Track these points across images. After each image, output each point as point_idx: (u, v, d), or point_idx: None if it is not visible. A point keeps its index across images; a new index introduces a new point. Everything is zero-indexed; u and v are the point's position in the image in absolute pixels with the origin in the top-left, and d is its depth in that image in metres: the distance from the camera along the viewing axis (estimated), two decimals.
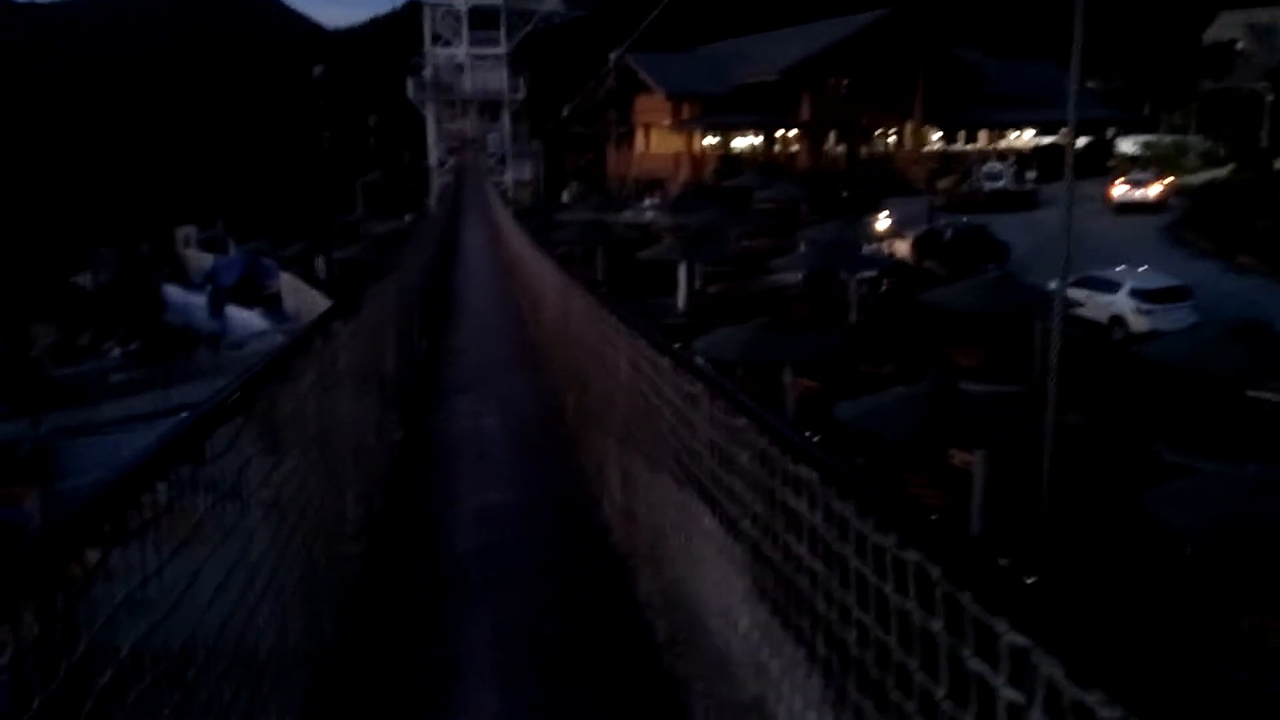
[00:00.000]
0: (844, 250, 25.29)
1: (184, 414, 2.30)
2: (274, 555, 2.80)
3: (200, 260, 46.23)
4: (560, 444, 7.21)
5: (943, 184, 39.89)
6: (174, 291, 42.56)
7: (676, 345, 3.97)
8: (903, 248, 28.40)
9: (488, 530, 5.72)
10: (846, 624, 2.19)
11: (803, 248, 27.06)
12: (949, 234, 27.40)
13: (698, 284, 27.09)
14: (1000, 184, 36.79)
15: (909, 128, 48.50)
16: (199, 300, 40.39)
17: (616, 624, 4.39)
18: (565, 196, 49.21)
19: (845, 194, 35.96)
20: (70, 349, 31.06)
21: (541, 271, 10.06)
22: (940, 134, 49.56)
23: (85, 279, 39.00)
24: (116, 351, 31.31)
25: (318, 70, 58.48)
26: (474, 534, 5.70)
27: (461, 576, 5.09)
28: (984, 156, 43.98)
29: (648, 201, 47.24)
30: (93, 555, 1.62)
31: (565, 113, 57.01)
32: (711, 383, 3.25)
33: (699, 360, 4.81)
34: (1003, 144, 49.73)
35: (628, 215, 44.88)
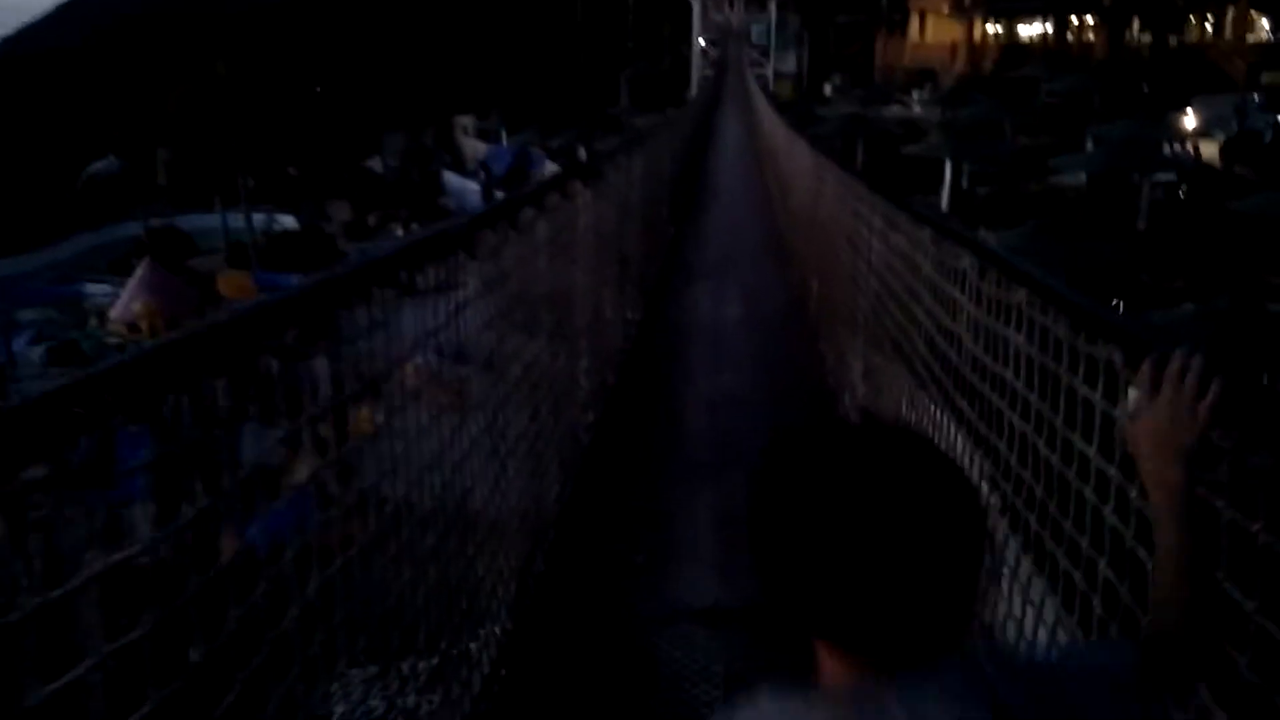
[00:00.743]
0: (1139, 150, 22.65)
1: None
2: (493, 409, 2.76)
3: (475, 149, 48.70)
4: (801, 334, 6.98)
5: (1268, 78, 34.65)
6: (451, 178, 45.22)
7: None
8: (1210, 149, 25.10)
9: (720, 414, 5.62)
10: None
11: (1090, 146, 24.55)
12: (1269, 135, 23.87)
13: (965, 183, 25.30)
14: None
15: (1230, 13, 42.25)
16: (474, 187, 42.72)
17: None
18: (828, 90, 47.25)
19: (1146, 88, 32.07)
20: (361, 227, 33.72)
21: (795, 155, 9.70)
22: (1269, 21, 42.84)
23: (376, 162, 42.14)
24: (399, 232, 33.70)
25: None
26: (706, 417, 5.62)
27: (690, 457, 5.03)
28: None
29: (916, 94, 44.49)
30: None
31: None
32: (981, 253, 2.85)
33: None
34: None
35: (894, 109, 42.57)
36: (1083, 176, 24.12)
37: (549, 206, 3.58)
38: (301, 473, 1.82)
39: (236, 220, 26.27)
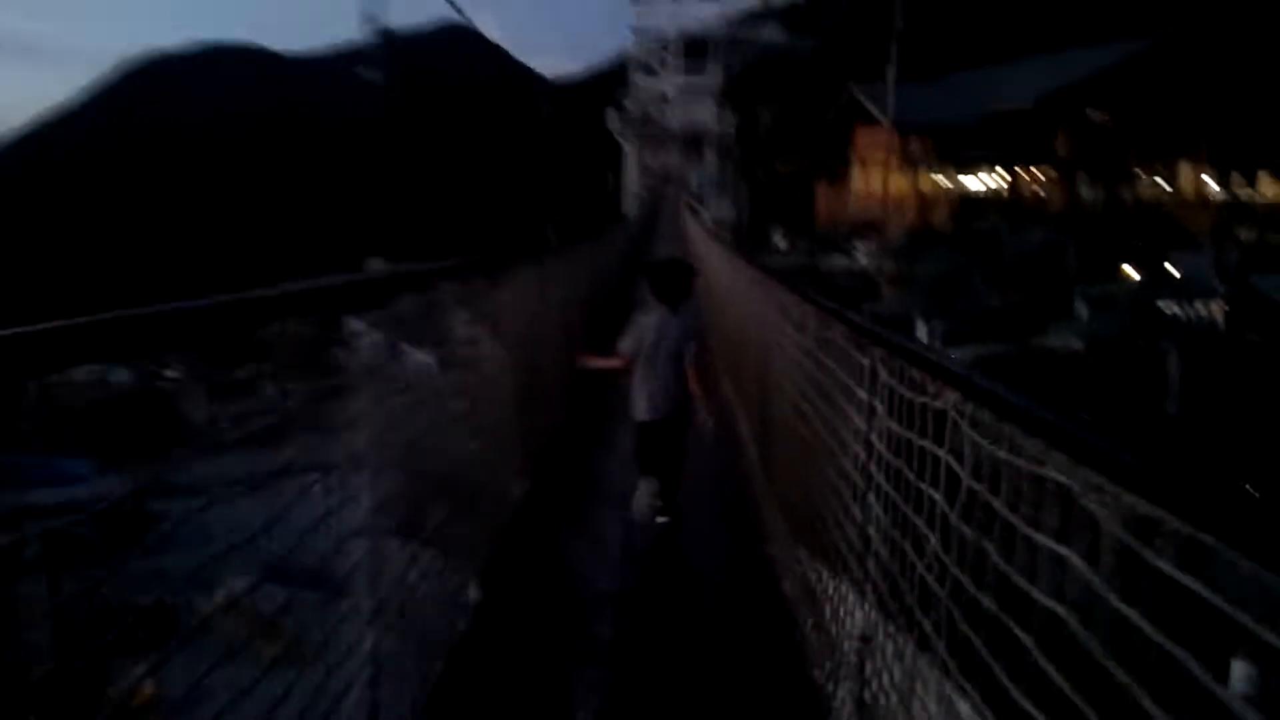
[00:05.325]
0: (1142, 313, 19.29)
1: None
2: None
3: None
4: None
5: (1245, 234, 32.42)
6: (354, 323, 41.08)
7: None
8: (1202, 311, 21.86)
9: None
10: None
11: (1082, 308, 21.16)
12: None
13: (939, 344, 21.63)
14: None
15: (1184, 169, 40.84)
16: (376, 336, 38.57)
17: None
18: (781, 243, 44.25)
19: (1140, 243, 29.19)
20: (227, 384, 28.82)
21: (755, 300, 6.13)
22: (1216, 177, 41.53)
23: None
24: (269, 390, 28.97)
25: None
26: None
27: None
28: None
29: (860, 246, 41.88)
30: None
31: (773, 148, 52.49)
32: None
33: None
34: None
35: (840, 261, 39.82)
36: (1074, 341, 20.57)
37: None
38: None
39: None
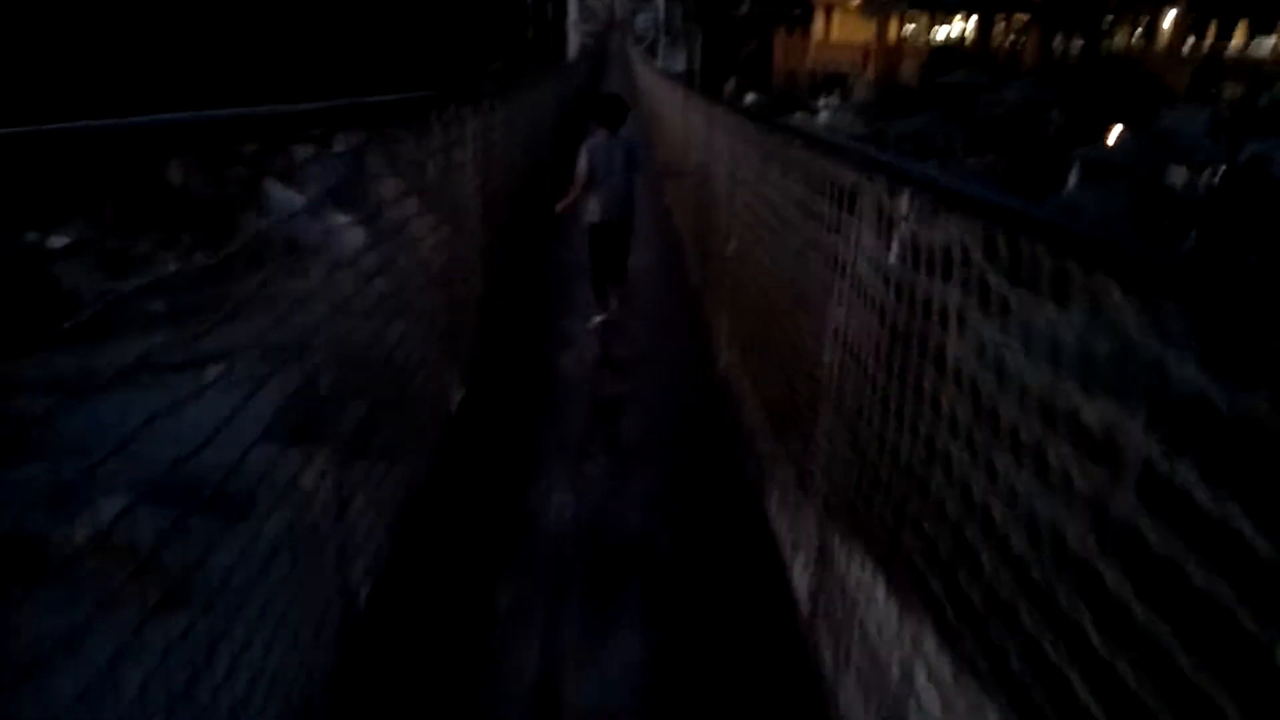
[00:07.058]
0: (1145, 185, 17.36)
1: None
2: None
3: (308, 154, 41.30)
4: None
5: (1230, 92, 30.32)
6: (275, 189, 38.13)
7: None
8: (1215, 180, 19.96)
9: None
10: None
11: (1075, 176, 19.12)
12: None
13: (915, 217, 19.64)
14: None
15: (1167, 19, 38.29)
16: (298, 200, 35.81)
17: None
18: (748, 97, 41.01)
19: (1126, 99, 26.86)
20: (123, 257, 25.82)
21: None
22: (1194, 28, 39.07)
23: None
24: (171, 266, 26.27)
25: None
26: None
27: None
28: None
29: (823, 101, 39.07)
30: None
31: None
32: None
33: None
34: None
35: (799, 118, 37.09)
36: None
37: None
38: None
39: None
